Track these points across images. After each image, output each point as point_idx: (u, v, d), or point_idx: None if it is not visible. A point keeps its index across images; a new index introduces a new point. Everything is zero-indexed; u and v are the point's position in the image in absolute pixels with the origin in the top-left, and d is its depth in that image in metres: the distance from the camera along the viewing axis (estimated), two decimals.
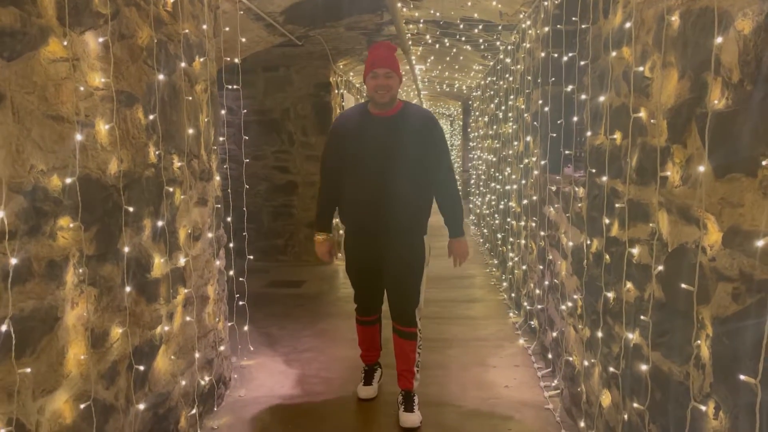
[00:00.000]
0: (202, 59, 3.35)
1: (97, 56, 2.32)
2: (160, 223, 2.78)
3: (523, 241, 5.07)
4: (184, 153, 3.07)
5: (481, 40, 5.95)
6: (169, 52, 2.94)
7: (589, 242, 2.95)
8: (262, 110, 7.77)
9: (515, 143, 5.53)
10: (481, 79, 9.06)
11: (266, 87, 7.75)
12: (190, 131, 3.11)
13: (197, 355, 3.21)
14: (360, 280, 3.55)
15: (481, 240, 9.02)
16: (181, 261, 3.05)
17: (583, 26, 2.95)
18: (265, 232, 7.89)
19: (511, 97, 5.74)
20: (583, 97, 2.94)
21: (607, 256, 2.64)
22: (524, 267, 4.92)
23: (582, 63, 2.96)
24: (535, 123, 4.34)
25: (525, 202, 4.87)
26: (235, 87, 4.16)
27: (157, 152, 2.77)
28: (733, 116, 1.58)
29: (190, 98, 3.14)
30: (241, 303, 4.49)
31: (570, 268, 3.39)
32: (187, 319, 3.12)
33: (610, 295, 2.60)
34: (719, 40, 1.60)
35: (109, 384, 2.40)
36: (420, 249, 3.42)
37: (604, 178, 2.61)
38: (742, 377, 1.42)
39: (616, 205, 2.49)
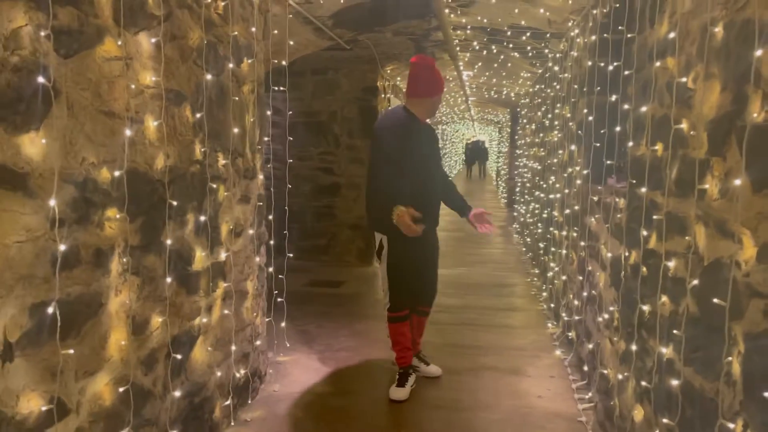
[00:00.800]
0: (249, 61, 3.44)
1: (150, 56, 2.42)
2: (202, 218, 2.87)
3: (564, 251, 5.01)
4: (228, 151, 3.17)
5: (528, 48, 5.92)
6: (218, 54, 3.04)
7: (627, 254, 2.91)
8: (309, 112, 7.90)
9: (560, 152, 5.47)
10: (529, 86, 8.98)
11: (315, 89, 7.87)
12: (236, 130, 3.21)
13: (234, 348, 3.29)
14: (416, 272, 3.88)
15: (524, 249, 8.94)
16: (222, 256, 3.14)
17: (629, 35, 2.92)
18: (307, 231, 8.01)
19: (558, 105, 5.69)
20: (626, 107, 2.91)
21: (644, 269, 2.60)
22: (564, 277, 4.86)
23: (627, 72, 2.92)
24: (579, 132, 4.29)
25: (567, 211, 4.81)
26: (281, 89, 4.25)
27: (202, 149, 2.87)
28: None
29: (237, 98, 3.24)
30: (279, 299, 4.57)
31: (608, 279, 3.35)
32: (225, 312, 3.21)
33: (646, 308, 2.56)
34: (759, 52, 1.58)
35: (147, 370, 2.49)
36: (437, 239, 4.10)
37: (644, 190, 2.58)
38: (766, 394, 1.39)
39: (654, 217, 2.46)
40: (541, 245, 6.77)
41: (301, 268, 7.64)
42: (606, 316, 3.28)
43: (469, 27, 5.64)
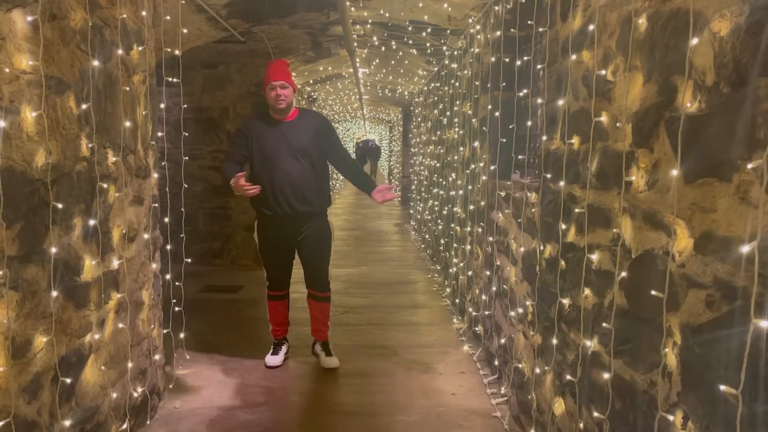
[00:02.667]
0: (140, 48, 3.13)
1: (25, 37, 2.10)
2: (92, 222, 2.56)
3: (468, 247, 5.04)
4: (119, 147, 2.85)
5: (428, 44, 5.92)
6: (105, 38, 2.73)
7: (542, 248, 2.92)
8: (199, 108, 7.48)
9: (461, 149, 5.51)
10: (424, 84, 9.05)
11: (204, 84, 7.47)
12: (127, 124, 2.89)
13: (130, 364, 2.98)
14: (270, 259, 4.23)
15: (423, 245, 9.00)
16: (115, 263, 2.83)
17: (540, 29, 2.92)
18: (200, 234, 7.59)
19: (457, 102, 5.73)
20: (540, 101, 2.91)
21: (563, 262, 2.60)
22: (470, 273, 4.89)
23: (538, 67, 2.93)
24: (483, 128, 4.31)
25: (471, 207, 4.84)
26: (175, 80, 3.93)
27: (90, 145, 2.55)
28: (707, 120, 1.55)
29: (127, 89, 2.93)
30: (177, 309, 4.24)
31: (520, 274, 3.36)
32: (120, 326, 2.89)
33: (566, 301, 2.56)
34: (694, 41, 1.57)
35: (31, 398, 2.16)
36: (326, 228, 4.17)
37: (561, 183, 2.58)
38: (722, 387, 1.37)
39: (575, 211, 2.46)
40: (442, 242, 6.82)
41: (195, 273, 7.20)
42: (520, 310, 3.29)
43: (369, 22, 5.54)
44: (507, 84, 3.81)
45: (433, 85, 8.00)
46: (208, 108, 7.48)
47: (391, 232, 11.02)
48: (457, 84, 5.78)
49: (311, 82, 9.57)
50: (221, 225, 7.60)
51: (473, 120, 4.82)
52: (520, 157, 3.48)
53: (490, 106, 4.14)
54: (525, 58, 3.31)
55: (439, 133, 7.31)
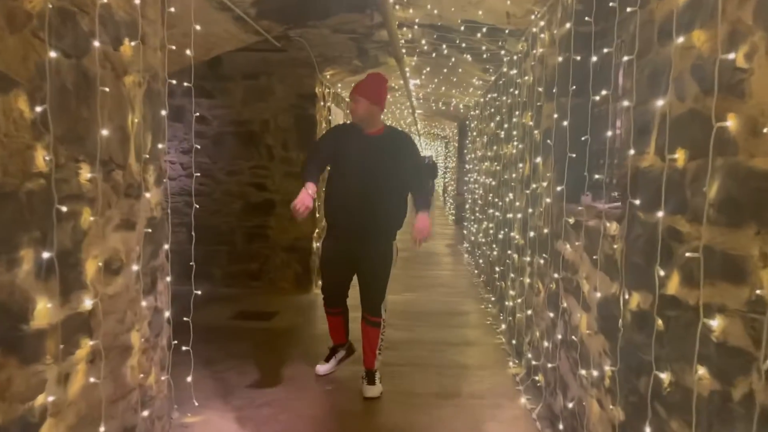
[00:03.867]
0: (133, 43, 2.63)
1: None
2: (46, 255, 2.03)
3: (527, 280, 4.34)
4: (96, 161, 2.33)
5: (483, 48, 5.28)
6: (80, 27, 2.22)
7: (627, 296, 2.22)
8: (239, 121, 7.05)
9: (520, 165, 4.83)
10: (480, 96, 8.40)
11: (245, 96, 7.04)
12: (105, 133, 2.37)
13: (102, 429, 2.42)
14: (331, 275, 4.12)
15: (476, 271, 8.28)
16: (87, 303, 2.30)
17: (628, 10, 2.25)
18: (237, 255, 7.13)
19: (516, 113, 5.05)
20: (626, 104, 2.23)
21: (661, 321, 1.91)
22: (529, 312, 4.18)
23: (625, 59, 2.25)
24: (548, 141, 3.64)
25: (531, 234, 4.15)
26: (186, 85, 3.42)
27: (47, 157, 2.03)
28: None
29: (109, 90, 2.41)
30: (184, 348, 3.71)
31: (594, 324, 2.66)
32: (92, 380, 2.35)
33: (665, 376, 1.86)
34: None
35: None
36: (389, 252, 3.96)
37: (659, 214, 1.89)
38: None
39: (682, 253, 1.77)
40: (497, 269, 6.11)
41: (229, 296, 6.75)
42: (595, 373, 2.58)
43: (416, 23, 4.96)
44: (578, 87, 3.13)
45: (489, 96, 7.34)
46: (248, 121, 7.04)
47: (442, 254, 10.34)
48: (516, 92, 5.11)
49: None
50: (259, 245, 7.11)
51: (535, 132, 4.14)
52: (596, 176, 2.79)
53: (555, 115, 3.46)
54: (604, 51, 2.63)
55: (495, 148, 6.63)
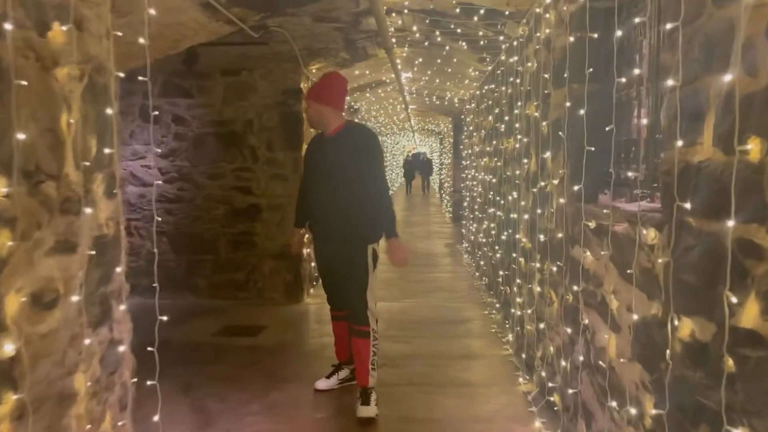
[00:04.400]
0: (65, 28, 2.18)
1: None
2: None
3: (537, 288, 3.91)
4: (13, 171, 1.88)
5: (480, 34, 4.84)
6: None
7: (676, 322, 1.79)
8: (220, 121, 6.60)
9: (525, 161, 4.39)
10: (476, 88, 7.96)
11: (226, 94, 6.59)
12: (24, 137, 1.92)
13: None
14: (322, 278, 4.12)
15: (477, 273, 7.85)
16: (7, 349, 1.85)
17: None
18: (222, 264, 6.68)
19: (519, 103, 4.62)
20: (670, 83, 1.79)
21: (732, 361, 1.47)
22: (541, 325, 3.74)
23: (668, 26, 1.81)
24: (559, 133, 3.20)
25: (542, 238, 3.71)
26: (141, 79, 2.96)
27: None
28: None
29: (30, 84, 1.96)
30: (149, 383, 3.25)
31: (628, 349, 2.23)
32: None
33: None
34: None
35: None
36: (362, 257, 3.73)
37: (730, 223, 1.46)
38: None
39: (758, 273, 1.34)
40: (501, 273, 5.68)
41: (214, 309, 6.31)
42: (633, 411, 2.14)
43: (406, 8, 4.51)
44: (596, 70, 2.69)
45: (486, 87, 6.90)
46: (230, 120, 6.59)
47: (441, 254, 9.90)
48: (518, 81, 4.68)
49: (349, 89, 8.60)
50: (246, 253, 6.67)
51: (542, 124, 3.71)
52: (630, 174, 2.36)
53: (568, 104, 3.03)
54: (635, 20, 2.19)
55: (495, 142, 6.19)
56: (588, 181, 2.75)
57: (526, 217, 4.28)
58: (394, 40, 5.54)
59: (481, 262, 7.44)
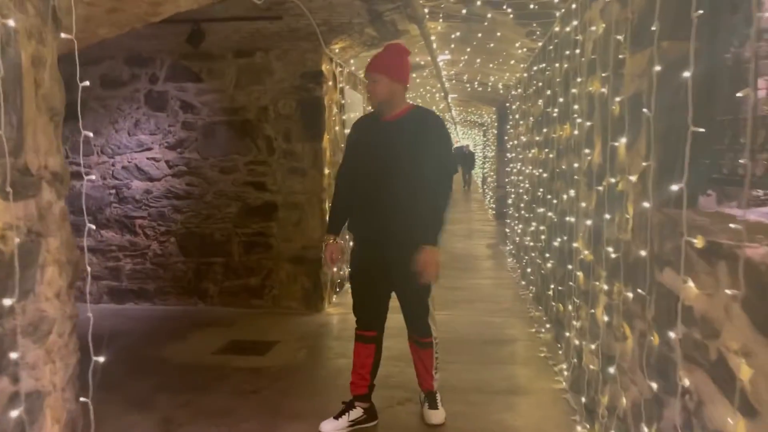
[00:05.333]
0: None
1: None
2: None
3: (603, 316, 3.02)
4: None
5: (531, 5, 3.95)
6: None
7: None
8: (232, 108, 5.88)
9: (586, 151, 3.50)
10: (523, 70, 7.04)
11: (239, 78, 5.87)
12: None
13: None
14: (361, 289, 3.44)
15: (523, 282, 6.93)
16: None
17: None
18: (235, 268, 5.98)
19: (579, 79, 3.73)
20: None
21: None
22: (611, 369, 2.85)
23: None
24: (644, 110, 2.31)
25: (611, 251, 2.83)
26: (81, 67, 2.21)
27: None
28: None
29: None
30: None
31: None
32: None
33: None
34: None
35: None
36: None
37: None
38: None
39: None
40: (553, 287, 4.78)
41: (223, 319, 5.61)
42: None
43: None
44: (715, 15, 1.81)
45: (535, 68, 5.99)
46: (243, 108, 5.87)
47: (482, 257, 9.01)
48: (576, 53, 3.78)
49: None
50: (260, 256, 5.94)
51: (614, 101, 2.81)
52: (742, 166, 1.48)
53: (657, 68, 2.14)
54: None
55: (545, 130, 5.29)
56: (692, 179, 1.87)
57: (588, 222, 3.38)
58: (426, 9, 4.70)
59: (528, 269, 6.53)
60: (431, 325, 3.43)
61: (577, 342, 3.66)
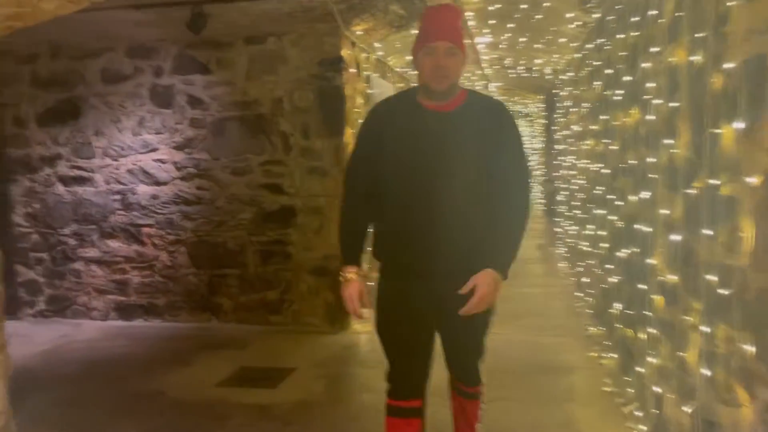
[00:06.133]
0: None
1: None
2: None
3: (704, 369, 2.23)
4: None
5: None
6: None
7: None
8: (244, 102, 5.24)
9: (666, 142, 2.70)
10: (575, 50, 6.19)
11: (250, 67, 5.22)
12: None
13: None
14: (401, 343, 2.44)
15: (577, 293, 6.09)
16: None
17: None
18: (250, 280, 5.35)
19: (654, 49, 2.91)
20: None
21: None
22: None
23: None
24: None
25: (714, 281, 2.04)
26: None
27: None
28: None
29: None
30: None
31: None
32: None
33: None
34: None
35: None
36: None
37: None
38: None
39: None
40: (618, 307, 3.97)
41: (236, 338, 5.01)
42: None
43: None
44: None
45: (591, 45, 5.15)
46: (256, 101, 5.22)
47: (531, 260, 8.17)
48: (651, 14, 2.97)
49: (409, 61, 7.04)
50: (278, 267, 5.29)
51: (720, 69, 2.01)
52: None
53: None
54: None
55: (606, 117, 4.46)
56: None
57: (673, 237, 2.57)
58: None
59: (584, 279, 5.70)
60: (481, 372, 2.64)
61: (656, 388, 2.85)
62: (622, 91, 3.80)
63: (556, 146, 9.37)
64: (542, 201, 12.96)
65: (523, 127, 23.36)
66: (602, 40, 4.53)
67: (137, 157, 5.44)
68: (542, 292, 6.39)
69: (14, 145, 5.56)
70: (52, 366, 4.52)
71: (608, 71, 4.27)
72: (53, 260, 5.63)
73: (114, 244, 5.53)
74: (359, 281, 2.40)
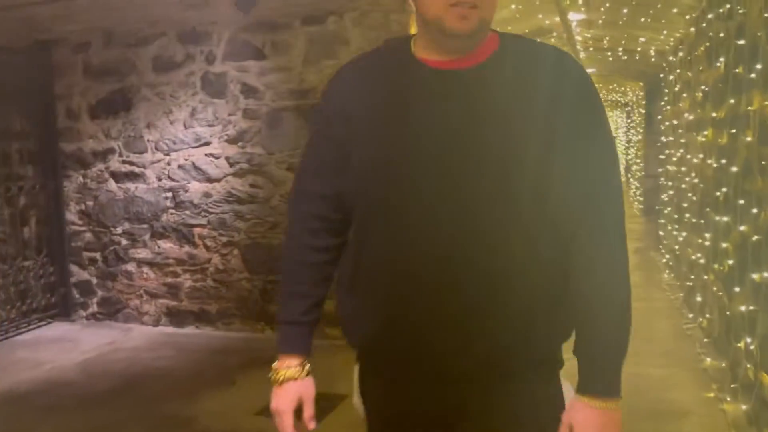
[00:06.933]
0: None
1: None
2: None
3: None
4: None
5: None
6: None
7: None
8: (301, 90, 4.72)
9: None
10: (689, 23, 5.24)
11: (308, 51, 4.69)
12: None
13: None
14: None
15: (688, 313, 5.16)
16: None
17: None
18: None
19: None
20: None
21: None
22: None
23: None
24: None
25: None
26: None
27: None
28: None
29: None
30: None
31: None
32: None
33: None
34: None
35: None
36: (551, 404, 1.26)
37: None
38: None
39: None
40: (748, 342, 3.11)
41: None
42: None
43: None
44: None
45: (712, 14, 4.24)
46: (314, 89, 4.67)
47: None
48: None
49: None
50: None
51: None
52: None
53: None
54: None
55: (731, 102, 3.58)
56: None
57: None
58: None
59: (697, 297, 4.78)
60: None
61: None
62: (759, 67, 2.94)
63: (661, 138, 8.31)
64: (640, 198, 11.79)
65: (619, 118, 21.84)
66: (726, 6, 3.65)
67: (189, 152, 5.05)
68: (643, 308, 5.49)
69: (67, 139, 5.31)
70: (90, 379, 4.18)
71: (737, 43, 3.40)
72: (105, 260, 5.35)
73: (165, 245, 5.17)
74: (302, 381, 1.40)
